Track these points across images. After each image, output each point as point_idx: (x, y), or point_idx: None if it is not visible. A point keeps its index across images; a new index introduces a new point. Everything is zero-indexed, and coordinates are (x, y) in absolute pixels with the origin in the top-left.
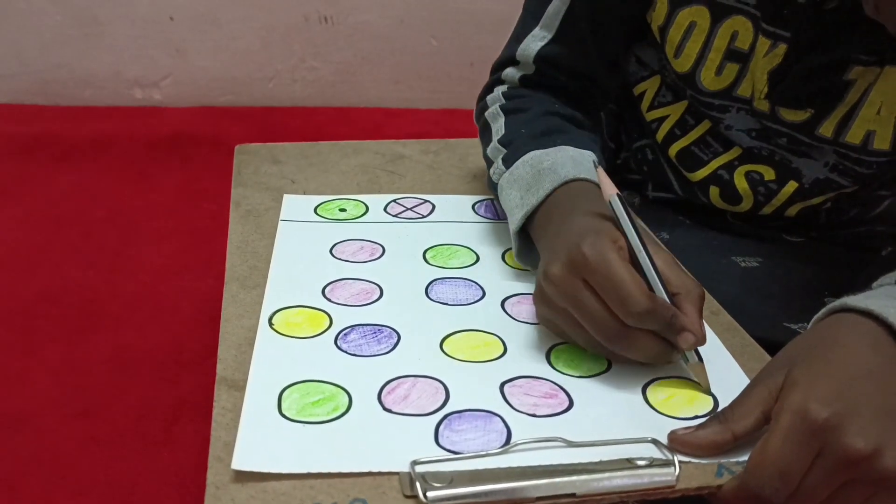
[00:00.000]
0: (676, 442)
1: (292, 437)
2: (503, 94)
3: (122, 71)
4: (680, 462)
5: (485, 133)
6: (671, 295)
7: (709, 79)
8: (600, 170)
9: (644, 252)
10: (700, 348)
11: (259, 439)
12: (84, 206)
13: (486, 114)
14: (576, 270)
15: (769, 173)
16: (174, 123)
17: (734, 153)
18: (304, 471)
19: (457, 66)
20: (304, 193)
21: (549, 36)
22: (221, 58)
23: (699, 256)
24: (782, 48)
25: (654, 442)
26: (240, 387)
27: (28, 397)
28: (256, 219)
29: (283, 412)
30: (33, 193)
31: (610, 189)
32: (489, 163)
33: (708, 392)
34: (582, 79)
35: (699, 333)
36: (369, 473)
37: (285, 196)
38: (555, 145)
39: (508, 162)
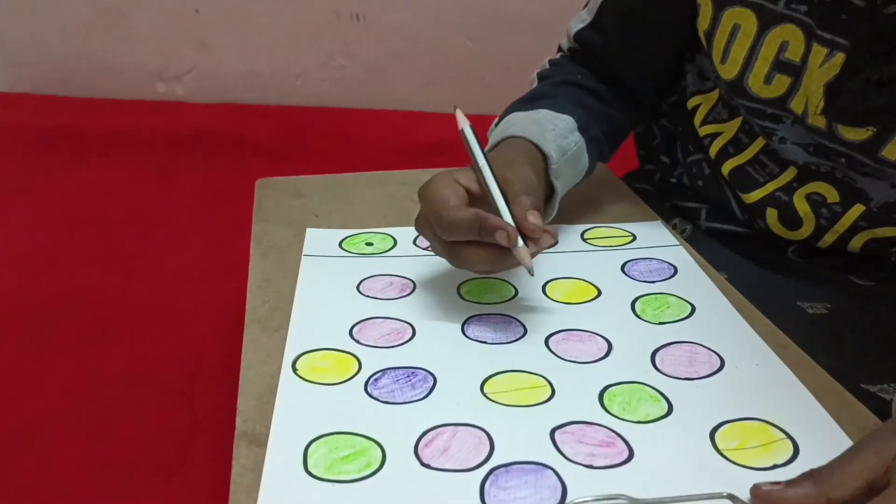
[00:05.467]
0: (760, 499)
1: (320, 499)
2: (549, 60)
3: (144, 63)
4: None
5: None
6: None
7: (757, 86)
8: (458, 110)
9: (485, 167)
10: (774, 383)
11: (283, 502)
12: (102, 204)
13: (532, 76)
14: (420, 199)
15: (832, 194)
16: (197, 120)
17: (791, 174)
18: None
19: (492, 70)
20: (329, 227)
21: (588, 20)
22: (247, 53)
23: (762, 300)
24: (840, 57)
25: (731, 497)
26: (261, 442)
27: (37, 412)
28: (278, 255)
29: (310, 469)
30: (51, 188)
31: (462, 123)
32: None
33: (531, 273)
34: (610, 71)
35: (505, 224)
36: None
37: (308, 230)
38: (535, 108)
39: (499, 120)
